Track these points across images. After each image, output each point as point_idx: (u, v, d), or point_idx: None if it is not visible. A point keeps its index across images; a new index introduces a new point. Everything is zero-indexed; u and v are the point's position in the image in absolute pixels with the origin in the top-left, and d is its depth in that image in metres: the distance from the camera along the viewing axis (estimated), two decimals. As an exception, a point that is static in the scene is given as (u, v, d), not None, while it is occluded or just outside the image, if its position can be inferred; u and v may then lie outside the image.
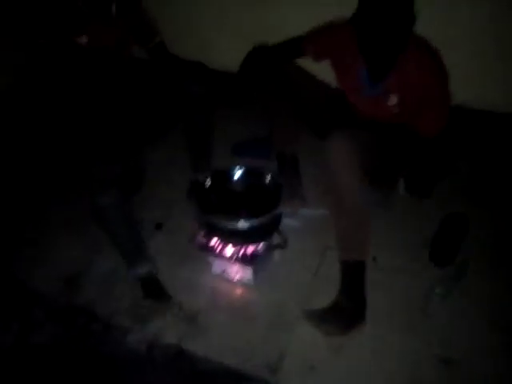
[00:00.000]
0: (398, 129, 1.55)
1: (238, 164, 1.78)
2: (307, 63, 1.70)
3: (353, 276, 1.48)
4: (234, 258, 1.62)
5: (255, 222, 1.53)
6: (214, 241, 1.67)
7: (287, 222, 1.77)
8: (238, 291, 1.64)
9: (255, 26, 2.33)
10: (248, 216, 1.59)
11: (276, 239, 1.68)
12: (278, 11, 2.30)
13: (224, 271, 1.66)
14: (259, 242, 1.64)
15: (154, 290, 1.61)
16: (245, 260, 1.60)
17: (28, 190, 2.17)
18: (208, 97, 1.75)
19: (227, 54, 2.50)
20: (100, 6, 1.62)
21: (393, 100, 1.48)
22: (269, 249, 1.67)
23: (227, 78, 1.66)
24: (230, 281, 1.66)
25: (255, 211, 1.59)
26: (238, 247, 1.63)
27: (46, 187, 2.18)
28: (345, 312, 1.45)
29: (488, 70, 2.06)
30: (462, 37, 2.02)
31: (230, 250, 1.64)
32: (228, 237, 1.61)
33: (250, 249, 1.63)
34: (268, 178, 1.70)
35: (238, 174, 1.75)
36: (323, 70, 1.67)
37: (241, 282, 1.64)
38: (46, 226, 1.95)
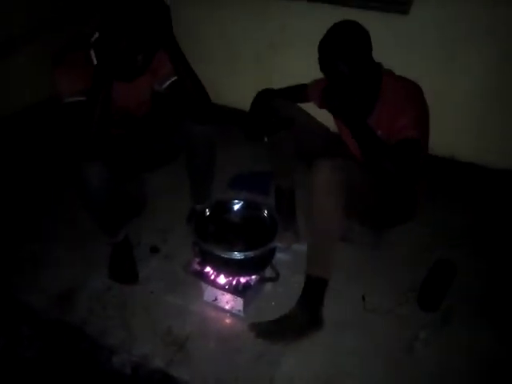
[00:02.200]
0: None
1: (238, 197, 1.84)
2: (309, 106, 1.80)
3: (313, 290, 1.57)
4: (227, 287, 1.65)
5: (249, 254, 1.57)
6: (208, 269, 1.71)
7: (280, 256, 1.82)
8: (228, 321, 1.66)
9: (264, 71, 2.50)
10: (243, 248, 1.64)
11: (268, 272, 1.72)
12: (285, 59, 2.46)
13: (215, 299, 1.68)
14: (252, 273, 1.67)
15: (126, 259, 1.79)
16: (237, 290, 1.63)
17: (28, 206, 2.21)
18: (209, 135, 1.77)
19: (236, 93, 2.69)
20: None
21: None
22: (261, 281, 1.70)
23: (245, 116, 1.75)
24: (220, 309, 1.68)
25: (250, 243, 1.64)
26: (231, 277, 1.66)
27: (47, 203, 2.23)
28: (295, 321, 1.55)
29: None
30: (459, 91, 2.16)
31: (222, 279, 1.67)
32: (222, 266, 1.64)
33: (243, 280, 1.66)
34: (265, 212, 1.75)
35: (236, 206, 1.80)
36: (324, 113, 1.76)
37: (231, 312, 1.67)
38: (44, 243, 1.98)
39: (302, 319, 1.56)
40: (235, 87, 2.72)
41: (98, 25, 1.46)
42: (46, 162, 2.51)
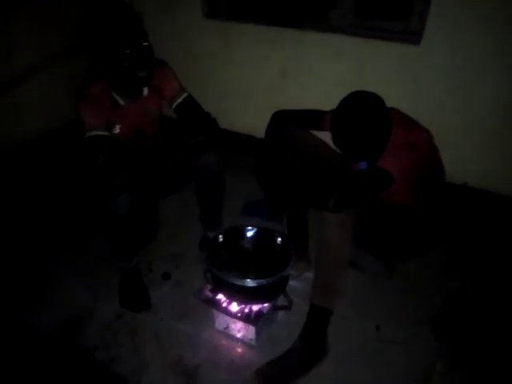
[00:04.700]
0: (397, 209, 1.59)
1: (251, 224, 1.83)
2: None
3: (317, 321, 1.53)
4: (239, 315, 1.63)
5: (263, 282, 1.55)
6: (220, 296, 1.69)
7: (293, 285, 1.80)
8: (239, 350, 1.63)
9: (276, 99, 2.53)
10: (256, 275, 1.63)
11: (281, 301, 1.70)
12: (297, 87, 2.49)
13: (227, 328, 1.66)
14: (265, 302, 1.65)
15: (137, 286, 1.80)
16: (249, 319, 1.61)
17: (41, 232, 2.22)
18: (215, 164, 1.78)
19: (248, 120, 2.72)
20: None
21: None
22: (273, 309, 1.68)
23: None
24: (232, 338, 1.66)
25: (263, 271, 1.63)
26: (244, 305, 1.65)
27: (59, 230, 2.24)
28: (301, 355, 1.52)
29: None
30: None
31: (234, 307, 1.65)
32: (234, 294, 1.62)
33: (255, 308, 1.64)
34: (279, 239, 1.75)
35: (250, 232, 1.79)
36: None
37: (243, 341, 1.64)
38: (56, 269, 1.99)
39: (308, 352, 1.52)
40: (247, 114, 2.75)
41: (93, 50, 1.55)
42: (59, 188, 2.53)
